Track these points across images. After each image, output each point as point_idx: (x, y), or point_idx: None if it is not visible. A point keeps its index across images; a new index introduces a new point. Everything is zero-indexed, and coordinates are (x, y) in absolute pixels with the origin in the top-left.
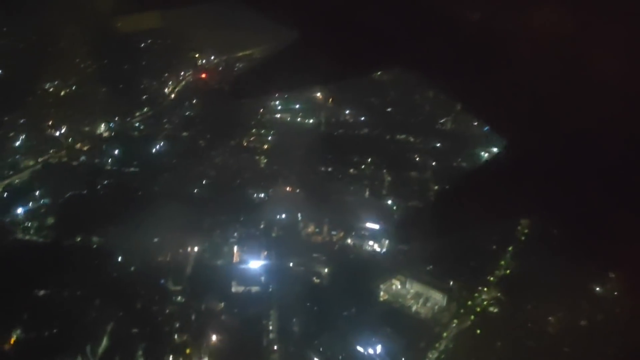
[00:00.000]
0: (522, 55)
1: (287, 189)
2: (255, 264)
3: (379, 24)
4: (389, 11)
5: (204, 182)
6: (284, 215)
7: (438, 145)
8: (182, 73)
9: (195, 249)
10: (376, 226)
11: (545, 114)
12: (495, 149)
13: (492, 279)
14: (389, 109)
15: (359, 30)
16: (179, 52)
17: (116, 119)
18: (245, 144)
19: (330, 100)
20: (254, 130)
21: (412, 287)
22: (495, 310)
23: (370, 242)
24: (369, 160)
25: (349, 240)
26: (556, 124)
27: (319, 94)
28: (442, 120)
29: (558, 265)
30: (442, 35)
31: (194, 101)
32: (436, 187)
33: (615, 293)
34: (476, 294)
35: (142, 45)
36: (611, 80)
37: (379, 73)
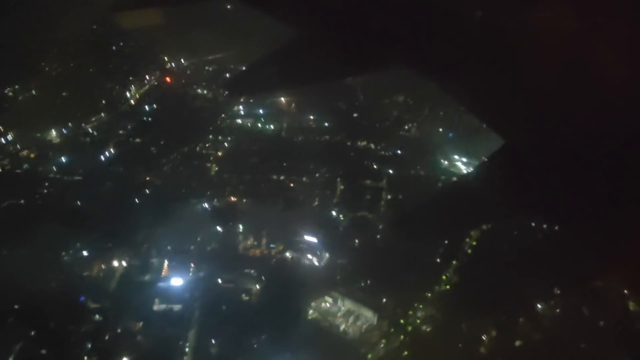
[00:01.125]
0: (523, 54)
1: (232, 199)
2: (183, 280)
3: (380, 23)
4: (390, 10)
5: (146, 192)
6: (223, 227)
7: (399, 152)
8: (147, 77)
9: (124, 263)
10: (317, 239)
11: (546, 112)
12: (456, 156)
13: (430, 295)
14: (355, 114)
15: (360, 28)
16: (149, 55)
17: (70, 124)
18: (198, 151)
19: (293, 105)
20: (210, 136)
21: (344, 305)
22: (428, 329)
23: (310, 256)
24: (324, 168)
25: (287, 254)
26: (556, 122)
27: (282, 99)
28: (407, 127)
29: (503, 280)
30: (443, 34)
31: (155, 106)
32: (389, 197)
33: (558, 310)
34: (410, 312)
35: (114, 47)
36: (612, 79)
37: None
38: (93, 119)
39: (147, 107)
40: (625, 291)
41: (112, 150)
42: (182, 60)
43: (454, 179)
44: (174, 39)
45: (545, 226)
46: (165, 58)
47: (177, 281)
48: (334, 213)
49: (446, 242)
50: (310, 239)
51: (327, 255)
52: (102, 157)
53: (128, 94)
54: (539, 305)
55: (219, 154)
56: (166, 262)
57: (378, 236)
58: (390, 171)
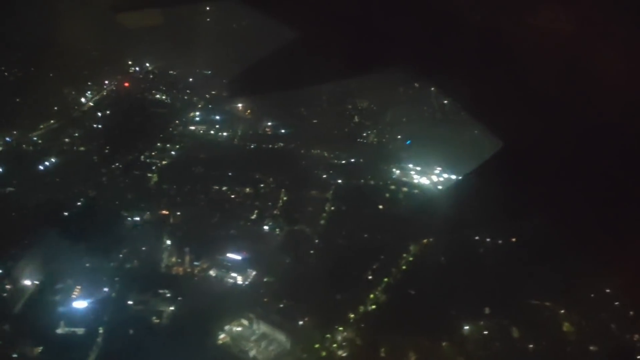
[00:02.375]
0: (523, 55)
1: (165, 212)
2: (93, 301)
3: (380, 24)
4: (390, 11)
5: (78, 204)
6: (149, 243)
7: (352, 160)
8: (106, 82)
9: (36, 282)
10: (247, 255)
11: (546, 114)
12: (410, 165)
13: (353, 316)
14: (315, 120)
15: (359, 29)
16: (113, 59)
17: (15, 132)
18: (142, 160)
19: (249, 111)
20: (159, 144)
21: (259, 328)
22: (344, 354)
23: (234, 274)
24: (271, 178)
25: (211, 272)
26: (557, 123)
27: (240, 105)
28: (366, 133)
29: (433, 299)
30: (443, 35)
31: (108, 112)
32: (332, 209)
33: (485, 333)
34: (328, 335)
35: (79, 51)
36: (613, 80)
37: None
38: (41, 126)
39: (99, 114)
40: (562, 311)
41: (53, 159)
42: (147, 64)
43: (404, 189)
44: (144, 41)
45: (488, 240)
46: (130, 62)
47: (86, 302)
48: (270, 227)
49: (382, 257)
50: (239, 255)
51: (253, 273)
52: (41, 167)
53: (83, 100)
54: (466, 327)
55: (164, 162)
56: (80, 282)
57: (312, 252)
58: (339, 181)
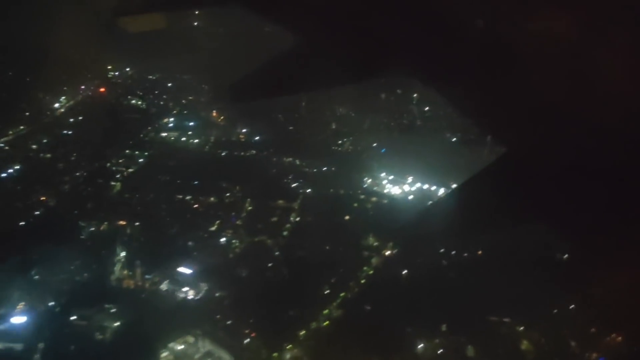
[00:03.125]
0: (526, 62)
1: (123, 222)
2: (36, 316)
3: (381, 30)
4: (391, 17)
5: (36, 213)
6: (102, 255)
7: (324, 169)
8: (82, 87)
9: None
10: (201, 268)
11: (549, 120)
12: (383, 174)
13: (303, 333)
14: (291, 127)
15: (360, 35)
16: (93, 64)
17: None
18: (108, 167)
19: (223, 117)
20: (127, 151)
21: (204, 346)
22: None
23: (186, 288)
24: (238, 186)
25: (162, 286)
26: (560, 130)
27: (215, 112)
28: (341, 141)
29: (389, 314)
30: (445, 41)
31: (80, 118)
32: (297, 219)
33: (440, 351)
34: (275, 354)
35: (60, 55)
36: (616, 86)
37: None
38: (10, 132)
39: (71, 120)
40: (521, 328)
41: (17, 166)
42: (127, 69)
43: (373, 198)
44: (127, 46)
45: (453, 253)
46: (109, 67)
47: (28, 317)
48: (229, 238)
49: (341, 270)
50: (193, 268)
51: (205, 287)
52: (4, 175)
53: (57, 105)
54: (421, 346)
55: (129, 170)
56: (26, 295)
57: (270, 264)
58: (308, 190)
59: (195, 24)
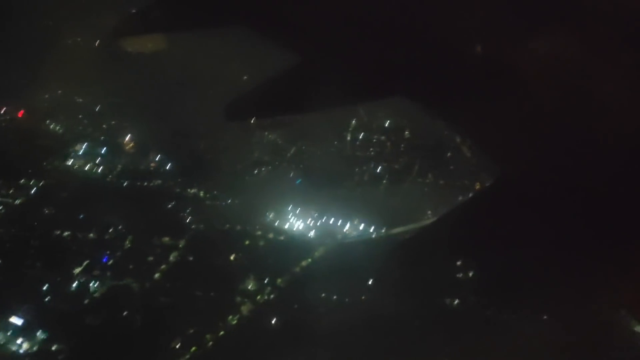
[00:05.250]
0: (525, 86)
1: None
2: None
3: (379, 55)
4: (389, 42)
5: None
6: None
7: (228, 202)
8: (3, 109)
9: None
10: (40, 317)
11: (549, 144)
12: (289, 207)
13: None
14: (208, 156)
15: (360, 60)
16: (22, 85)
17: None
18: None
19: (132, 144)
20: (22, 180)
21: None
22: None
23: (19, 340)
24: (125, 222)
25: None
26: (559, 150)
27: (128, 137)
28: (257, 170)
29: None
30: (444, 66)
31: None
32: (177, 259)
33: None
34: None
35: None
36: (616, 108)
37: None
38: None
39: None
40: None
41: None
42: (59, 90)
43: (270, 235)
44: (61, 66)
45: (334, 297)
46: (39, 88)
47: None
48: (91, 281)
49: (203, 319)
50: (33, 316)
51: (42, 337)
52: None
53: None
54: None
55: (16, 203)
56: None
57: (125, 313)
58: (201, 226)
59: (150, 45)
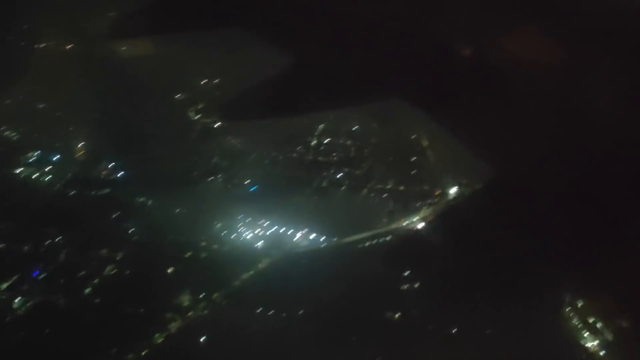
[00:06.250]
0: (515, 88)
1: None
2: None
3: (371, 56)
4: (381, 44)
5: None
6: None
7: (176, 211)
8: None
9: None
10: None
11: (539, 146)
12: (239, 217)
13: None
14: (164, 162)
15: (352, 61)
16: None
17: None
18: None
19: (83, 152)
20: None
21: None
22: None
23: None
24: (64, 233)
25: None
26: (550, 153)
27: (84, 144)
28: (213, 177)
29: None
30: (435, 68)
31: None
32: (112, 272)
33: None
34: None
35: None
36: (606, 111)
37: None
38: None
39: None
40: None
41: None
42: (21, 96)
43: (214, 246)
44: (26, 70)
45: (271, 312)
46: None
47: None
48: (16, 297)
49: (127, 339)
50: None
51: None
52: None
53: None
54: None
55: None
56: None
57: (47, 331)
58: (144, 237)
59: (123, 48)
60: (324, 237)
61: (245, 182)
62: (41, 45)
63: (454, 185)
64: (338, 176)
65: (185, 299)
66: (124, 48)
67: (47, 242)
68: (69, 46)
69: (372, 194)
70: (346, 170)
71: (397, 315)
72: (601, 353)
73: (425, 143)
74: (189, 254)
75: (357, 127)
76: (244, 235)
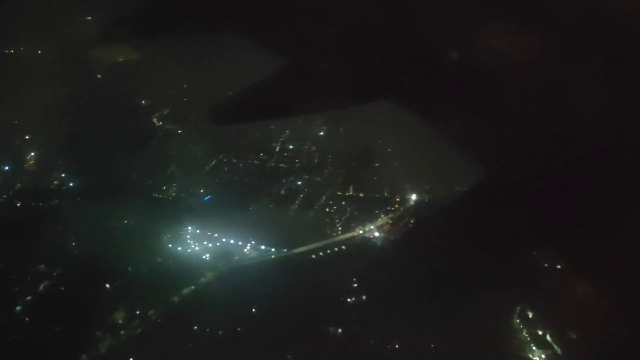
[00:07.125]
0: (502, 87)
1: None
2: None
3: (366, 57)
4: (374, 45)
5: None
6: None
7: (124, 222)
8: None
9: None
10: None
11: (527, 142)
12: (188, 228)
13: None
14: (118, 172)
15: (346, 62)
16: None
17: None
18: None
19: (44, 160)
20: None
21: None
22: None
23: None
24: (2, 247)
25: None
26: (538, 150)
27: (36, 153)
28: (165, 187)
29: None
30: (426, 68)
31: None
32: (46, 290)
33: None
34: None
35: None
36: (591, 108)
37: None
38: None
39: None
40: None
41: None
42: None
43: (158, 259)
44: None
45: (209, 330)
46: None
47: None
48: None
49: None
50: None
51: None
52: None
53: None
54: None
55: None
56: None
57: None
58: (85, 251)
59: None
60: (274, 249)
61: (200, 192)
62: (11, 51)
63: (414, 192)
64: (298, 183)
65: (120, 317)
66: (96, 54)
67: None
68: (39, 52)
69: (331, 201)
70: (306, 177)
71: (339, 331)
72: None
73: (390, 149)
74: (130, 268)
75: (323, 132)
76: (191, 247)
